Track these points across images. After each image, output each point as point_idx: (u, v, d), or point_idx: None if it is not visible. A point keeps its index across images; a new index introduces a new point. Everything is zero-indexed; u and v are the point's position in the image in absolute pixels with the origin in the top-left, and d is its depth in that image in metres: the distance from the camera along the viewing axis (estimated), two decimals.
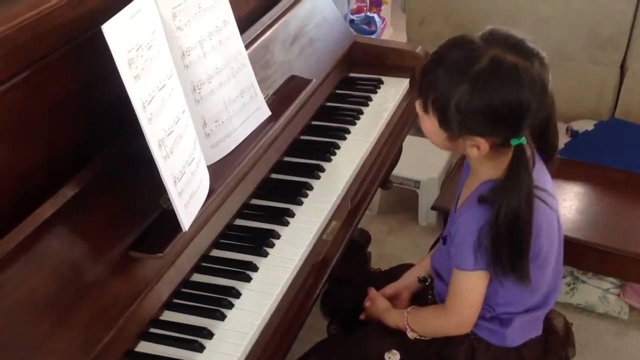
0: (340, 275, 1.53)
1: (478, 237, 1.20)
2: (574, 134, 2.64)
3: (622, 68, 2.71)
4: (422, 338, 1.39)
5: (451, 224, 1.32)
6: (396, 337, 1.40)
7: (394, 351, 1.35)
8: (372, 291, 1.53)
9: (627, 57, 2.70)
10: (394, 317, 1.44)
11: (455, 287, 1.31)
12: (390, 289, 1.54)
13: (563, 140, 2.66)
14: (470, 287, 1.28)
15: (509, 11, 2.74)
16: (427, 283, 1.50)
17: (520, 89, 1.13)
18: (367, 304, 1.52)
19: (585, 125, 2.66)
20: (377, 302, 1.49)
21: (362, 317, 1.53)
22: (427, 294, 1.49)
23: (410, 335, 1.39)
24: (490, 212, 1.19)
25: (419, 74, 1.27)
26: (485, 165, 1.25)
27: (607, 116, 2.74)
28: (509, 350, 1.35)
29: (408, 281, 1.55)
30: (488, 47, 1.15)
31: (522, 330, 1.35)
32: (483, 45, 1.16)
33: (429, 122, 1.24)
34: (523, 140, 1.17)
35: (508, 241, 1.18)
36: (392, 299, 1.51)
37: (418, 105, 1.26)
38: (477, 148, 1.20)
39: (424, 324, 1.39)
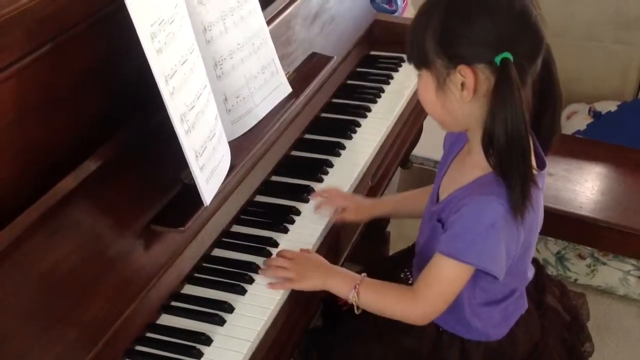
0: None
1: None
2: (596, 114, 2.62)
3: None
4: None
5: (444, 206, 1.22)
6: (385, 341, 1.32)
7: None
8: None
9: None
10: (340, 283, 1.26)
11: (437, 275, 1.19)
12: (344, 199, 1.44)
13: (586, 121, 2.64)
14: (455, 278, 1.18)
15: None
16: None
17: (492, 3, 1.09)
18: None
19: (608, 106, 2.63)
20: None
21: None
22: (399, 272, 1.43)
23: (357, 311, 1.26)
24: (501, 203, 1.11)
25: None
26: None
27: (631, 97, 2.70)
28: (499, 339, 1.30)
29: (374, 207, 1.48)
30: None
31: (504, 319, 1.30)
32: None
33: (421, 82, 1.19)
34: (508, 54, 1.08)
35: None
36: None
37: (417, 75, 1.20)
38: (466, 90, 1.11)
39: (379, 301, 1.25)
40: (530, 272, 1.33)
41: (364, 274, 1.27)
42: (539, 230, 1.26)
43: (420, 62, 1.17)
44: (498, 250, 1.15)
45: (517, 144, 1.09)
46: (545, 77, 1.17)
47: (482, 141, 1.12)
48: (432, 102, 1.18)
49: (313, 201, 1.44)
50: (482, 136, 1.12)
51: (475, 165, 1.18)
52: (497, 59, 1.08)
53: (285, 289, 1.25)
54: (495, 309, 1.28)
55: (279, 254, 1.31)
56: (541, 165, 1.22)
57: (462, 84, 1.12)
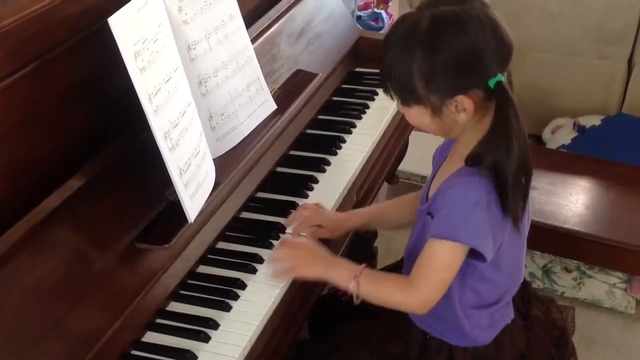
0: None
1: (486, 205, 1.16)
2: (581, 129, 2.64)
3: (630, 63, 2.71)
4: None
5: (433, 200, 1.25)
6: (373, 349, 1.34)
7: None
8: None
9: (635, 52, 2.69)
10: (341, 273, 1.27)
11: (431, 259, 1.21)
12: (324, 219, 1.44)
13: (570, 135, 2.66)
14: (450, 262, 1.19)
15: (519, 6, 2.74)
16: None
17: (468, 30, 1.12)
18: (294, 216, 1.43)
19: (592, 121, 2.66)
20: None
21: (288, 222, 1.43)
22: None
23: (356, 300, 1.27)
24: (484, 177, 1.16)
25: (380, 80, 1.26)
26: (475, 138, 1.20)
27: (615, 111, 2.73)
28: (486, 345, 1.32)
29: (348, 221, 1.48)
30: (424, 10, 1.16)
31: (491, 324, 1.32)
32: (419, 12, 1.17)
33: (411, 112, 1.22)
34: (500, 77, 1.14)
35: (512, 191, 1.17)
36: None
37: (399, 107, 1.24)
38: (463, 111, 1.16)
39: (378, 291, 1.26)
40: (521, 278, 1.35)
41: (364, 264, 1.28)
42: (529, 225, 1.30)
43: (412, 101, 1.20)
44: (485, 228, 1.18)
45: (526, 162, 1.16)
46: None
47: (471, 156, 1.17)
48: (428, 126, 1.23)
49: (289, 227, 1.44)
50: (478, 152, 1.17)
51: (461, 158, 1.21)
52: (491, 83, 1.14)
53: (287, 277, 1.27)
54: (484, 313, 1.30)
55: (282, 243, 1.33)
56: None
57: (456, 106, 1.16)
